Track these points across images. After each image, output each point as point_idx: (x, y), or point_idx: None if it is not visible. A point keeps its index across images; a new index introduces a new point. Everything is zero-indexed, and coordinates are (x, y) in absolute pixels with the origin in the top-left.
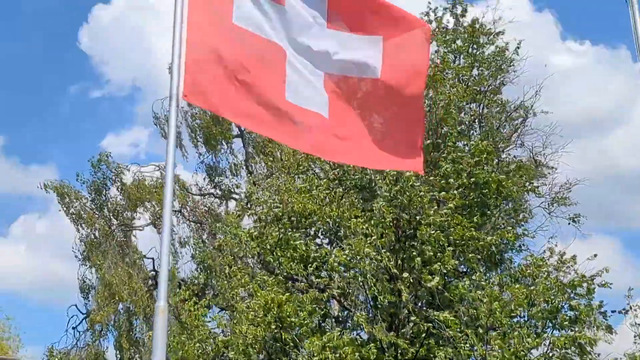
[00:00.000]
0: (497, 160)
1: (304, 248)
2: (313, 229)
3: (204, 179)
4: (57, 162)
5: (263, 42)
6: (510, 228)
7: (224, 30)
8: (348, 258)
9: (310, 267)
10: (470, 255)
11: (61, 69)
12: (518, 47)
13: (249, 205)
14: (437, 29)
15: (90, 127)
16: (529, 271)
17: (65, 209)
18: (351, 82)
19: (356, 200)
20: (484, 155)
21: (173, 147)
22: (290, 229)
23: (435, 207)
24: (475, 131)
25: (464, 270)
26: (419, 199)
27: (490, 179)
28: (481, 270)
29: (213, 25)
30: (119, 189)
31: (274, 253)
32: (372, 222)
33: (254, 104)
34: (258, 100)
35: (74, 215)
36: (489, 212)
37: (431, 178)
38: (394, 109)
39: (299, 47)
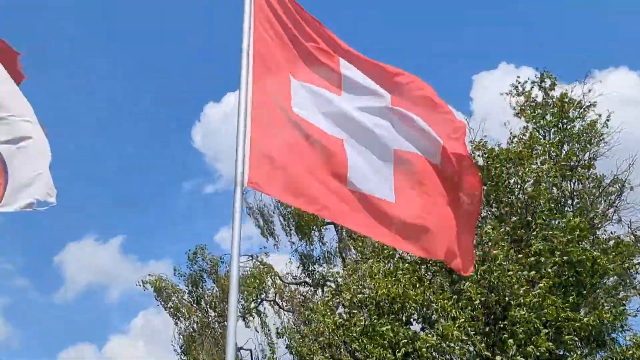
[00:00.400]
0: (592, 237)
1: (391, 334)
2: (404, 314)
3: (298, 267)
4: (172, 258)
5: (321, 131)
6: (611, 307)
7: (285, 118)
8: (437, 342)
9: (399, 352)
10: (567, 337)
11: (176, 166)
12: (608, 120)
13: (338, 292)
14: (525, 104)
15: (205, 222)
16: (630, 352)
17: (163, 303)
18: (417, 159)
19: (443, 282)
20: (578, 232)
21: (238, 235)
22: (377, 315)
23: (527, 287)
24: (568, 207)
25: (561, 353)
26: (507, 278)
27: (585, 256)
28: (580, 352)
29: (274, 114)
30: (215, 281)
31: (360, 340)
32: (460, 304)
33: (317, 190)
34: (321, 187)
35: (172, 309)
36: (584, 291)
37: (520, 256)
38: (452, 199)
39: (361, 132)
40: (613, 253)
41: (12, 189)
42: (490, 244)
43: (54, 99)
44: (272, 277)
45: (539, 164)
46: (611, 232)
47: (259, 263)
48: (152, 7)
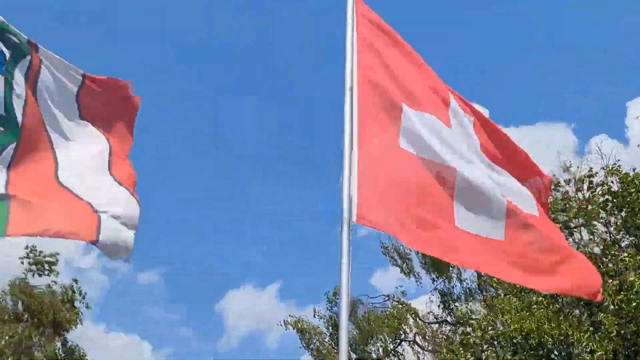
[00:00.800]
0: None
1: None
2: (543, 349)
3: (439, 306)
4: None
5: (431, 165)
6: None
7: (391, 154)
8: None
9: None
10: None
11: (326, 212)
12: None
13: (471, 330)
14: None
15: (359, 265)
16: None
17: (305, 344)
18: (525, 214)
19: (581, 314)
20: None
21: (347, 274)
22: (511, 352)
23: None
24: None
25: None
26: None
27: None
28: None
29: (381, 150)
30: (353, 323)
31: None
32: (597, 336)
33: (425, 226)
34: (428, 222)
35: (313, 351)
36: None
37: None
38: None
39: (471, 171)
40: None
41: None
42: (627, 272)
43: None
44: (412, 316)
45: None
46: None
47: (396, 303)
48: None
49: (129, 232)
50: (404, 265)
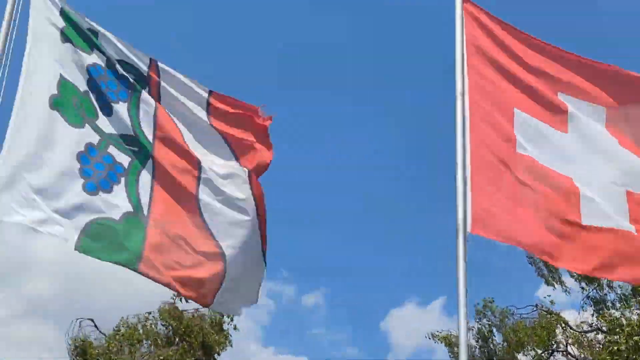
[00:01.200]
0: None
1: None
2: None
3: (592, 314)
4: None
5: (549, 170)
6: None
7: (508, 159)
8: None
9: None
10: None
11: None
12: None
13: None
14: None
15: (505, 276)
16: None
17: (454, 358)
18: None
19: None
20: None
21: (464, 285)
22: None
23: None
24: None
25: None
26: None
27: None
28: None
29: (495, 155)
30: (503, 334)
31: None
32: None
33: (547, 231)
34: (553, 227)
35: None
36: None
37: None
38: None
39: (590, 172)
40: None
41: (227, 289)
42: None
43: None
44: (562, 326)
45: None
46: None
47: (545, 313)
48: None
49: (253, 282)
50: (550, 276)
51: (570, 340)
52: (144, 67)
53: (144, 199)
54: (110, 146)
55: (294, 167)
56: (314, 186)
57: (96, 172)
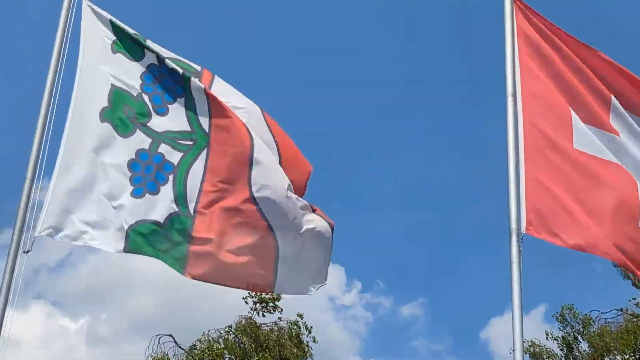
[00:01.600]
0: None
1: None
2: None
3: None
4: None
5: (610, 165)
6: None
7: (565, 157)
8: None
9: None
10: None
11: None
12: None
13: None
14: None
15: (590, 278)
16: None
17: None
18: None
19: None
20: None
21: (518, 289)
22: None
23: None
24: None
25: None
26: None
27: None
28: None
29: (551, 154)
30: (587, 339)
31: None
32: None
33: (606, 233)
34: (611, 228)
35: None
36: None
37: None
38: None
39: None
40: None
41: (285, 270)
42: None
43: None
44: None
45: None
46: None
47: (630, 316)
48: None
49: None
50: (637, 279)
51: None
52: (195, 66)
53: (192, 194)
54: (162, 144)
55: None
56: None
57: (145, 177)
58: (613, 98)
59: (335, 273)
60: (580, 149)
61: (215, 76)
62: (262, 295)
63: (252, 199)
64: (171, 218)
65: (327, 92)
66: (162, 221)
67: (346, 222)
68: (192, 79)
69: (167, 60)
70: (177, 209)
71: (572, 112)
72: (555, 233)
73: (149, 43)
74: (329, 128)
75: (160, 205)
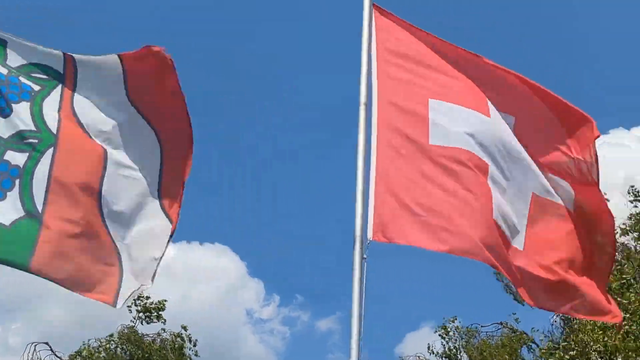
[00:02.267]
0: None
1: None
2: None
3: (561, 332)
4: None
5: (467, 155)
6: None
7: (420, 156)
8: None
9: None
10: None
11: None
12: None
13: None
14: None
15: (471, 291)
16: None
17: None
18: (554, 208)
19: None
20: None
21: (358, 298)
22: None
23: None
24: None
25: None
26: None
27: None
28: None
29: (404, 155)
30: (467, 353)
31: None
32: None
33: (457, 229)
34: (463, 223)
35: None
36: None
37: None
38: (586, 247)
39: (504, 165)
40: None
41: (126, 280)
42: None
43: None
44: (527, 344)
45: None
46: None
47: (509, 331)
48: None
49: (151, 266)
50: (517, 292)
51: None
52: (59, 65)
53: (39, 197)
54: (8, 151)
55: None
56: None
57: None
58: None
59: (255, 286)
60: (435, 142)
61: (76, 57)
62: (146, 304)
63: (99, 203)
64: (17, 223)
65: None
66: (7, 225)
67: (262, 234)
68: (57, 86)
69: (23, 69)
70: (24, 214)
71: (431, 106)
72: (403, 235)
73: (10, 47)
74: None
75: (5, 212)
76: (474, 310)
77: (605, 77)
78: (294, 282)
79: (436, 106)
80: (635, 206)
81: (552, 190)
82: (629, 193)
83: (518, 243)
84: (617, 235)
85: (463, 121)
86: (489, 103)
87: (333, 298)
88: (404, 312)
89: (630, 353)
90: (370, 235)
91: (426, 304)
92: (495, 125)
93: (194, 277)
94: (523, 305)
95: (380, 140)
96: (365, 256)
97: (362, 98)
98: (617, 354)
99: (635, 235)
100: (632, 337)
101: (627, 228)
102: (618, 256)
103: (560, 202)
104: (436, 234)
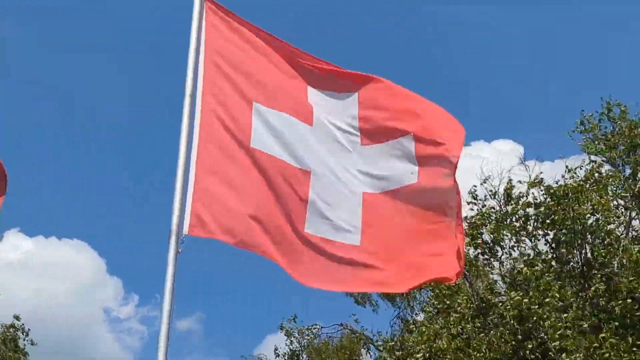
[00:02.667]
0: None
1: None
2: None
3: (400, 333)
4: None
5: (284, 166)
6: None
7: (240, 156)
8: None
9: None
10: None
11: None
12: None
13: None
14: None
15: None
16: None
17: None
18: (390, 196)
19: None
20: None
21: (170, 292)
22: None
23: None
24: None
25: None
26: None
27: None
28: None
29: (225, 153)
30: (307, 354)
31: None
32: (491, 354)
33: (269, 233)
34: (271, 229)
35: None
36: None
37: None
38: (431, 213)
39: (330, 170)
40: None
41: None
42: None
43: None
44: (365, 346)
45: (597, 198)
46: None
47: (349, 332)
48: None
49: None
50: (359, 295)
51: None
52: None
53: None
54: None
55: None
56: None
57: None
58: (309, 88)
59: (113, 284)
60: (256, 146)
61: None
62: None
63: None
64: None
65: None
66: None
67: (122, 231)
68: None
69: None
70: None
71: (256, 109)
72: (224, 231)
73: None
74: None
75: None
76: (316, 311)
77: (467, 91)
78: (154, 281)
79: (260, 110)
80: (471, 209)
81: (390, 179)
82: (469, 193)
83: (354, 240)
84: None
85: (284, 129)
86: (314, 109)
87: (192, 298)
88: (267, 313)
89: (458, 353)
90: (186, 229)
91: (282, 305)
92: (318, 134)
93: (50, 273)
94: (364, 307)
95: (203, 135)
96: (180, 250)
97: (188, 89)
98: (444, 356)
99: (468, 240)
100: (460, 339)
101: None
102: None
103: (396, 186)
104: (252, 232)
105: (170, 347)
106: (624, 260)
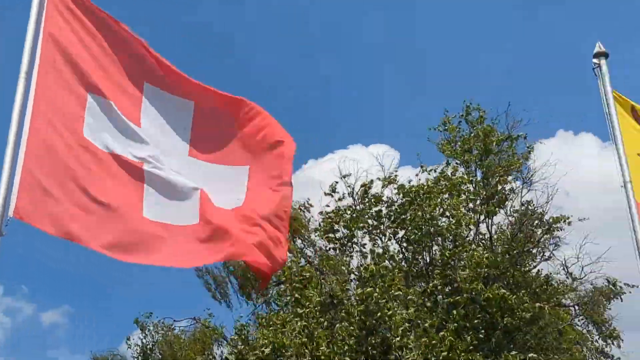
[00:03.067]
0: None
1: None
2: None
3: (255, 330)
4: None
5: (116, 158)
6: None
7: (71, 144)
8: None
9: None
10: None
11: None
12: (530, 150)
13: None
14: (449, 140)
15: (170, 286)
16: None
17: None
18: (218, 211)
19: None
20: (486, 270)
21: None
22: None
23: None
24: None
25: None
26: (387, 318)
27: (491, 295)
28: None
29: (57, 140)
30: (159, 348)
31: None
32: (335, 348)
33: (105, 220)
34: (108, 216)
35: None
36: (496, 332)
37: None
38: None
39: (160, 166)
40: (546, 292)
41: None
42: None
43: None
44: (218, 341)
45: (447, 198)
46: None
47: (203, 326)
48: None
49: None
50: (217, 290)
51: (224, 355)
52: None
53: None
54: None
55: None
56: None
57: None
58: (146, 84)
59: None
60: (89, 137)
61: None
62: None
63: None
64: None
65: None
66: None
67: None
68: None
69: None
70: None
71: (90, 100)
72: (44, 220)
73: None
74: None
75: None
76: (174, 305)
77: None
78: (20, 271)
79: (93, 103)
80: (327, 205)
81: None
82: (330, 187)
83: (193, 220)
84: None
85: (114, 125)
86: (142, 107)
87: (59, 290)
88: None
89: (301, 347)
90: (11, 212)
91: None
92: (146, 134)
93: None
94: (220, 303)
95: (35, 115)
96: (3, 233)
97: (24, 67)
98: (286, 351)
99: (321, 234)
100: (303, 334)
101: (318, 227)
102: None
103: (221, 206)
104: (78, 222)
105: (35, 340)
106: (466, 262)
